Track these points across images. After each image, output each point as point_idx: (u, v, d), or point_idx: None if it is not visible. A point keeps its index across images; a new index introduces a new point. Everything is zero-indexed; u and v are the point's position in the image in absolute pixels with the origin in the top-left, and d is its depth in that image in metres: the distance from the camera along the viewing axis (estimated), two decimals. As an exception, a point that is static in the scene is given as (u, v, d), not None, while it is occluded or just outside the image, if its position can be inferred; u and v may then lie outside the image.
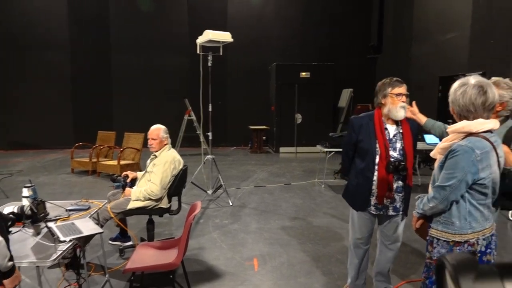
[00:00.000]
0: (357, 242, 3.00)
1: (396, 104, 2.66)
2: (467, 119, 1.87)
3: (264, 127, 11.47)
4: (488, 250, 1.91)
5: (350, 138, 2.88)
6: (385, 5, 12.02)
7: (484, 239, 1.89)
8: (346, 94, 11.65)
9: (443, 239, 1.95)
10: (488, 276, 0.36)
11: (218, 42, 5.92)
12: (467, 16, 7.88)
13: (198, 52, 5.98)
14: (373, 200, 2.77)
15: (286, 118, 11.12)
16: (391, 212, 2.79)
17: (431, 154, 2.10)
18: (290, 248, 4.12)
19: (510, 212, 5.11)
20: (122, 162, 7.34)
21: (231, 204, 5.72)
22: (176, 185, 3.80)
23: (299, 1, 12.32)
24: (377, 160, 2.71)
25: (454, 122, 1.96)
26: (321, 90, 11.09)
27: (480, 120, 1.84)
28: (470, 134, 1.85)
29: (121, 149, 7.58)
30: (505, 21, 6.80)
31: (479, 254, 1.89)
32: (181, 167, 3.84)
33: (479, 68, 7.30)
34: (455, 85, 1.92)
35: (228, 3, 12.00)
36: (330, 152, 7.01)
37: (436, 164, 2.02)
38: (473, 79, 1.89)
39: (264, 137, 11.62)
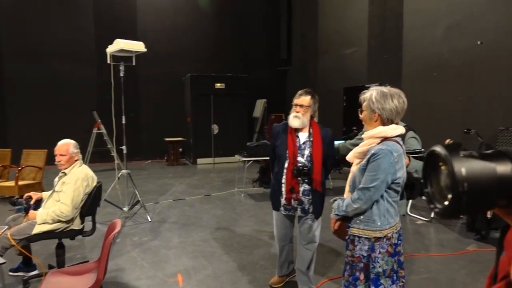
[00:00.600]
0: (277, 238, 3.29)
1: (292, 113, 2.99)
2: (391, 124, 2.06)
3: (180, 138, 11.25)
4: (399, 242, 2.13)
5: (271, 144, 3.19)
6: (293, 20, 12.77)
7: (396, 232, 2.11)
8: (260, 105, 12.03)
9: (365, 236, 2.09)
10: (471, 156, 0.44)
11: (131, 51, 5.69)
12: (364, 33, 8.76)
13: (108, 62, 5.67)
14: (282, 201, 3.04)
15: (202, 129, 11.07)
16: (299, 213, 3.05)
17: (348, 158, 2.26)
18: (214, 259, 4.08)
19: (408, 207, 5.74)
20: (20, 183, 6.56)
21: (149, 220, 5.47)
22: (90, 204, 3.53)
23: (211, 14, 12.44)
24: (286, 164, 2.96)
25: (357, 128, 2.17)
26: (236, 101, 11.29)
27: (393, 125, 2.06)
28: (385, 139, 2.04)
29: (19, 168, 6.79)
30: (395, 38, 7.71)
31: (394, 246, 2.09)
32: (94, 184, 3.58)
33: (377, 80, 8.14)
34: (375, 94, 2.08)
35: (138, 12, 11.61)
36: (248, 161, 7.15)
37: (355, 168, 2.18)
38: (385, 88, 2.10)
39: (180, 149, 11.39)
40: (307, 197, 2.99)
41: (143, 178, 8.84)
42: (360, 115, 2.20)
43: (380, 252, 2.06)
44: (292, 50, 12.95)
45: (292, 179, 2.93)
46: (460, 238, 4.68)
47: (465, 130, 5.99)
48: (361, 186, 2.06)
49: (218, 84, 11.14)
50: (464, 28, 6.18)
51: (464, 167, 0.42)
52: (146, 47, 5.77)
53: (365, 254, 2.09)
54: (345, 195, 2.28)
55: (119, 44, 5.47)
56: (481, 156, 0.42)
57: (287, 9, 12.84)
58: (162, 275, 3.69)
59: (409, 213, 5.68)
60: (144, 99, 11.74)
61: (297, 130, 3.03)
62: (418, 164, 2.86)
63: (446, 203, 0.44)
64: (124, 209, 5.72)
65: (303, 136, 3.03)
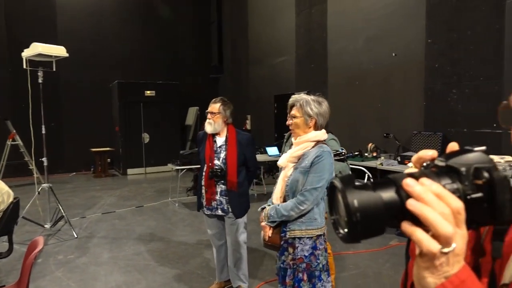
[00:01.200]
0: (211, 240, 3.45)
1: (207, 120, 3.22)
2: (321, 129, 2.23)
3: (108, 148, 10.67)
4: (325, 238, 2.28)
5: (197, 150, 3.40)
6: (223, 28, 12.89)
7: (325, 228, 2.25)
8: (192, 112, 11.90)
9: (307, 236, 2.18)
10: (364, 187, 0.48)
11: (50, 56, 5.30)
12: (292, 43, 9.13)
13: (25, 67, 5.21)
14: (204, 203, 3.23)
15: (132, 138, 10.62)
16: (220, 213, 3.21)
17: (279, 163, 2.32)
18: (148, 272, 3.93)
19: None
20: None
21: (76, 236, 5.10)
22: (5, 222, 3.19)
23: (137, 19, 12.04)
24: (205, 168, 3.18)
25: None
26: (168, 109, 11.04)
27: (323, 130, 2.23)
28: (318, 142, 2.19)
29: None
30: (321, 48, 8.15)
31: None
32: (10, 200, 3.25)
33: (305, 88, 8.51)
34: (308, 98, 2.22)
35: (58, 15, 10.83)
36: (182, 169, 7.02)
37: (290, 172, 2.24)
38: (312, 96, 2.25)
39: (109, 160, 10.80)
40: (225, 197, 3.17)
41: (67, 192, 8.22)
42: (290, 121, 2.29)
43: (320, 249, 2.19)
44: (223, 58, 13.04)
45: (208, 181, 3.15)
46: (383, 235, 5.04)
47: (385, 135, 6.50)
48: (308, 187, 2.12)
49: (148, 92, 10.80)
50: (381, 41, 6.75)
51: (356, 198, 0.46)
52: (68, 52, 5.42)
53: (307, 254, 2.18)
54: (275, 201, 2.31)
55: (37, 48, 5.07)
56: (372, 186, 0.47)
57: (217, 17, 12.93)
58: (92, 294, 3.46)
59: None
60: (67, 108, 10.95)
61: (214, 135, 3.25)
62: (340, 166, 3.08)
63: (346, 230, 0.48)
64: (46, 226, 5.26)
65: (220, 141, 3.24)
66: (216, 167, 3.13)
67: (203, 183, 3.20)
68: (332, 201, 0.52)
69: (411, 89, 6.26)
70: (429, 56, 5.88)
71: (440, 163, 0.52)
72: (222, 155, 3.18)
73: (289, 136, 3.27)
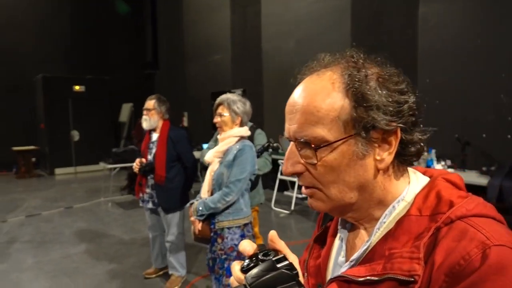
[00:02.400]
0: (148, 230, 3.65)
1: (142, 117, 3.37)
2: (244, 125, 2.41)
3: (32, 147, 9.92)
4: None
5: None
6: (158, 22, 12.57)
7: None
8: (126, 109, 11.48)
9: (236, 226, 2.33)
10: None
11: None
12: (228, 40, 9.20)
13: None
14: (135, 195, 3.51)
15: (60, 136, 9.97)
16: (151, 206, 3.40)
17: (206, 159, 2.42)
18: (78, 275, 3.78)
19: (273, 202, 6.30)
20: None
21: (-5, 242, 4.73)
22: None
23: (64, 9, 11.31)
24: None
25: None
26: (99, 105, 10.53)
27: (246, 127, 2.42)
28: (241, 138, 2.36)
29: None
30: (255, 47, 8.33)
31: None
32: None
33: (241, 85, 8.65)
34: (235, 98, 2.39)
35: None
36: (115, 168, 6.79)
37: (215, 167, 2.35)
38: (236, 95, 2.43)
39: (33, 159, 10.05)
40: (154, 191, 3.35)
41: (-16, 195, 7.53)
42: (218, 118, 2.41)
43: (248, 236, 2.37)
44: (158, 53, 12.72)
45: (140, 175, 3.37)
46: (315, 226, 5.35)
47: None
48: (232, 179, 2.26)
49: (77, 87, 10.21)
50: (310, 43, 7.08)
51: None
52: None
53: (236, 242, 2.31)
54: (203, 196, 2.42)
55: None
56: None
57: (151, 10, 12.57)
58: (14, 302, 3.27)
59: (274, 207, 6.23)
60: (-18, 103, 9.99)
61: (151, 131, 3.43)
62: (258, 162, 3.30)
63: None
64: (-42, 233, 4.81)
65: (154, 136, 3.40)
66: (148, 162, 3.32)
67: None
68: None
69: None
70: (354, 58, 6.31)
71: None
72: (154, 150, 3.34)
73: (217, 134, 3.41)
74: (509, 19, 4.44)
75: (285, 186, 7.06)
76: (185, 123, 10.85)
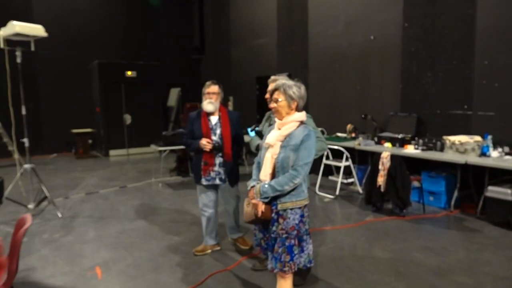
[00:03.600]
0: (201, 209, 3.86)
1: (206, 100, 3.62)
2: (301, 111, 2.47)
3: (89, 130, 10.60)
4: None
5: (187, 129, 3.81)
6: (205, 10, 12.74)
7: None
8: (174, 93, 11.86)
9: (297, 207, 2.44)
10: None
11: (28, 36, 5.22)
12: (273, 25, 9.16)
13: (2, 46, 5.13)
14: (202, 174, 3.67)
15: (114, 119, 10.56)
16: (218, 182, 3.69)
17: (268, 141, 2.47)
18: (134, 249, 4.07)
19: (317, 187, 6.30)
20: None
21: (60, 216, 5.17)
22: (-9, 202, 3.26)
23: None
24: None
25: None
26: (149, 90, 10.98)
27: (304, 112, 2.49)
28: (301, 122, 2.44)
29: None
30: (302, 30, 8.23)
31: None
32: (-4, 180, 3.31)
33: (286, 69, 8.62)
34: (290, 83, 2.44)
35: (33, -8, 10.51)
36: (164, 151, 7.09)
37: (277, 150, 2.41)
38: (290, 80, 2.50)
39: (90, 141, 10.74)
40: (222, 168, 3.67)
41: (49, 173, 8.20)
42: (274, 103, 2.46)
43: (306, 216, 2.50)
44: (205, 39, 12.93)
45: (207, 154, 3.60)
46: (360, 211, 5.31)
47: (363, 116, 6.72)
48: (300, 162, 2.35)
49: (129, 72, 10.69)
50: (359, 24, 6.87)
51: None
52: (46, 30, 5.34)
53: (297, 222, 2.43)
54: (263, 178, 2.45)
55: (14, 28, 4.98)
56: None
57: (199, -3, 12.74)
58: (79, 270, 3.58)
59: (318, 192, 6.23)
60: (46, 88, 10.78)
61: (208, 114, 3.67)
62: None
63: None
64: (29, 206, 5.30)
65: (214, 119, 3.69)
66: (214, 142, 3.59)
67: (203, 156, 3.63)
68: None
69: (388, 72, 6.45)
70: (405, 40, 6.06)
71: None
72: (218, 131, 3.64)
73: (269, 116, 3.45)
74: None
75: (330, 171, 7.02)
76: (230, 108, 11.03)
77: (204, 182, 3.69)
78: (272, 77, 3.31)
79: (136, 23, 12.09)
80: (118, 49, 11.71)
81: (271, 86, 3.18)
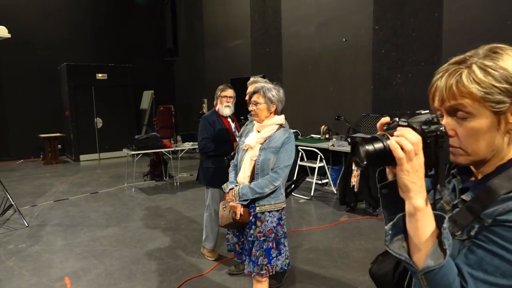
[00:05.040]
0: (209, 214, 3.72)
1: (223, 104, 3.60)
2: (280, 114, 2.50)
3: (58, 134, 10.24)
4: None
5: (207, 132, 3.56)
6: (178, 10, 12.59)
7: None
8: (147, 96, 11.65)
9: (275, 209, 2.43)
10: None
11: (-10, 37, 4.99)
12: (247, 27, 9.15)
13: (-39, 48, 4.88)
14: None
15: (84, 123, 10.25)
16: None
17: (248, 143, 2.46)
18: (105, 257, 3.94)
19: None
20: None
21: (27, 224, 4.95)
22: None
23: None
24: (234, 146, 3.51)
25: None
26: (121, 93, 10.73)
27: (283, 115, 2.51)
28: (280, 126, 2.46)
29: None
30: (275, 32, 8.26)
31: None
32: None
33: (260, 71, 8.63)
34: (269, 86, 2.45)
35: (-4, -8, 10.07)
36: (138, 154, 6.94)
37: (257, 153, 2.41)
38: (269, 83, 2.52)
39: (59, 146, 10.38)
40: None
41: (15, 180, 7.86)
42: (253, 106, 2.45)
43: (283, 219, 2.50)
44: (178, 40, 12.78)
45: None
46: (334, 211, 5.36)
47: (336, 117, 6.81)
48: (281, 165, 2.37)
49: (100, 75, 10.42)
50: (332, 26, 6.96)
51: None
52: (10, 32, 5.12)
53: (275, 225, 2.43)
54: (242, 180, 2.45)
55: (-25, 28, 4.76)
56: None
57: (171, -2, 12.58)
58: (47, 281, 3.43)
59: (293, 193, 6.25)
60: (10, 91, 10.33)
61: (228, 118, 3.68)
62: None
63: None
64: (-7, 216, 5.05)
65: (232, 123, 3.71)
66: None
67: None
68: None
69: (360, 73, 6.56)
70: (376, 42, 6.18)
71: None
72: (237, 134, 3.64)
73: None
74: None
75: (304, 172, 7.06)
76: (205, 110, 10.94)
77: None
78: (252, 79, 3.29)
79: (107, 25, 11.79)
80: (88, 51, 11.38)
81: (250, 88, 3.17)
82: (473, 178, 0.89)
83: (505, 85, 0.76)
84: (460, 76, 0.80)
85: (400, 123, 0.78)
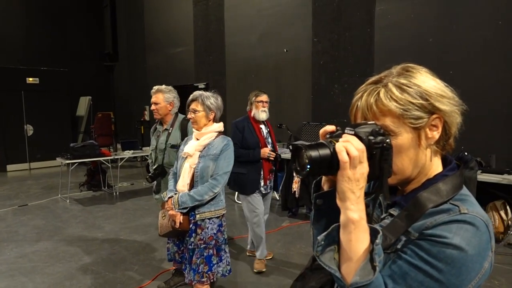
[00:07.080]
0: (260, 218, 3.63)
1: (259, 109, 3.59)
2: (218, 121, 2.52)
3: (-19, 143, 9.36)
4: None
5: (238, 137, 3.55)
6: (117, 14, 12.15)
7: None
8: (84, 102, 11.08)
9: (216, 216, 2.43)
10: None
11: None
12: (190, 34, 9.10)
13: None
14: (262, 183, 3.60)
15: (12, 130, 9.48)
16: (269, 190, 3.75)
17: (187, 151, 2.45)
18: (36, 274, 3.67)
19: (236, 195, 6.35)
20: None
21: None
22: None
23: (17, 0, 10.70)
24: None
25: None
26: (55, 98, 10.07)
27: (221, 122, 2.54)
28: (219, 133, 2.49)
29: None
30: (219, 40, 8.30)
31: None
32: None
33: (204, 79, 8.61)
34: (208, 94, 2.47)
35: None
36: (73, 164, 6.57)
37: (196, 161, 2.40)
38: (208, 92, 2.54)
39: (-17, 155, 9.48)
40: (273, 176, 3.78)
41: None
42: (192, 114, 2.46)
43: (223, 226, 2.50)
44: (118, 45, 12.31)
45: (266, 163, 3.59)
46: (277, 217, 5.48)
47: (278, 125, 6.98)
48: (220, 172, 2.38)
49: (31, 79, 9.72)
50: (273, 37, 7.17)
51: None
52: None
53: (215, 232, 2.43)
54: (182, 188, 2.42)
55: None
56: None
57: (110, 1, 12.12)
58: (-34, 304, 3.12)
59: (237, 200, 6.29)
60: None
61: (259, 123, 3.65)
62: None
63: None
64: None
65: (264, 128, 3.71)
66: (277, 153, 3.65)
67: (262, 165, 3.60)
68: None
69: (300, 83, 6.81)
70: (315, 53, 6.47)
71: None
72: (270, 140, 3.70)
73: (155, 129, 3.43)
74: (459, 18, 4.74)
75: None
76: (147, 117, 10.65)
77: (263, 190, 3.64)
78: (155, 88, 3.24)
79: (40, 26, 11.06)
80: (18, 53, 10.58)
81: (154, 98, 3.19)
82: (399, 194, 0.90)
83: (420, 101, 0.78)
84: (378, 94, 0.81)
85: (346, 131, 0.77)
